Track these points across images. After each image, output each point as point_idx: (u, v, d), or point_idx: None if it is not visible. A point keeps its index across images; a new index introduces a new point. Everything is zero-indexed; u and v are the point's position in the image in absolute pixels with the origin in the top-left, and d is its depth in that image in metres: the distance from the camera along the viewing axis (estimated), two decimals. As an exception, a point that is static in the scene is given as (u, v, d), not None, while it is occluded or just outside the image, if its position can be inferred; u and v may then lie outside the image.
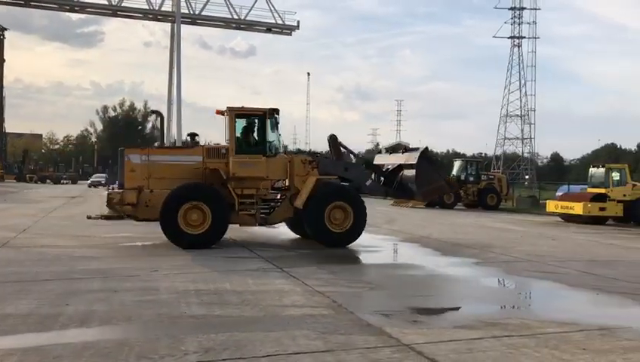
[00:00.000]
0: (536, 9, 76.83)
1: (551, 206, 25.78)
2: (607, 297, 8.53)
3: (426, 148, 15.27)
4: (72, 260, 10.47)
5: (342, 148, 15.06)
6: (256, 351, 5.25)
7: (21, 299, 7.22)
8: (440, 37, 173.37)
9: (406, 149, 15.72)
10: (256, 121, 13.22)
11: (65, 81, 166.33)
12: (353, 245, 13.43)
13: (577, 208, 23.17)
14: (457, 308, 7.50)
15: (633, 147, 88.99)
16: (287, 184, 13.64)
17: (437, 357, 5.22)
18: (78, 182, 71.71)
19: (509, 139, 78.99)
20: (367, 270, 10.45)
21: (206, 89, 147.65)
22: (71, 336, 5.68)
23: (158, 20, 55.67)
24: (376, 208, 30.21)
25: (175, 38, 52.41)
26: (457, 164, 35.05)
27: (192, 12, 52.38)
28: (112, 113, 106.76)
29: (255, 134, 13.28)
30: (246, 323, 6.31)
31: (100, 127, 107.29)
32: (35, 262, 10.10)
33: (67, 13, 56.21)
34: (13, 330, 5.87)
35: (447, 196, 31.26)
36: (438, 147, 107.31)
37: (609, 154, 76.50)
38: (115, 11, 51.90)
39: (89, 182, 60.94)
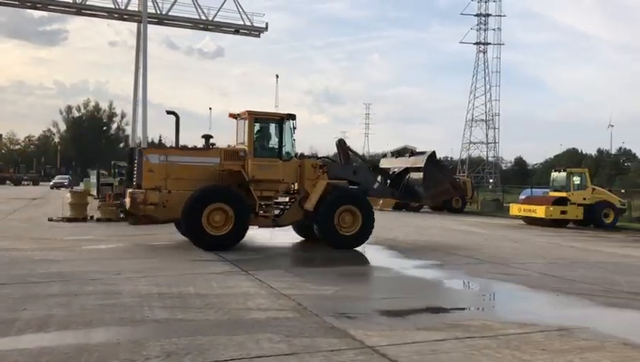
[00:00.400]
0: (501, 15, 78.18)
1: (514, 209, 26.31)
2: (566, 298, 8.73)
3: (434, 152, 15.66)
4: (32, 263, 10.20)
5: (349, 152, 15.49)
6: (219, 355, 5.20)
7: (-24, 303, 7.00)
8: (408, 42, 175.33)
9: (412, 153, 16.07)
10: (274, 125, 13.56)
11: (26, 79, 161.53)
12: (320, 248, 13.46)
13: (539, 211, 23.71)
14: (421, 310, 7.57)
15: (593, 152, 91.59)
16: (296, 187, 13.95)
17: (400, 358, 5.26)
18: (40, 183, 69.93)
19: (474, 144, 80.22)
20: (332, 273, 10.46)
21: (173, 90, 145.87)
22: (27, 342, 5.53)
23: (124, 20, 54.69)
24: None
25: (141, 38, 51.65)
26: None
27: (159, 12, 51.68)
28: (76, 113, 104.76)
29: (272, 138, 13.63)
30: (209, 326, 6.24)
31: (63, 127, 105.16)
32: (-8, 266, 9.80)
33: (29, 11, 54.91)
34: (-33, 336, 5.68)
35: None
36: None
37: (570, 159, 78.46)
38: (79, 9, 50.78)
39: (51, 183, 59.54)
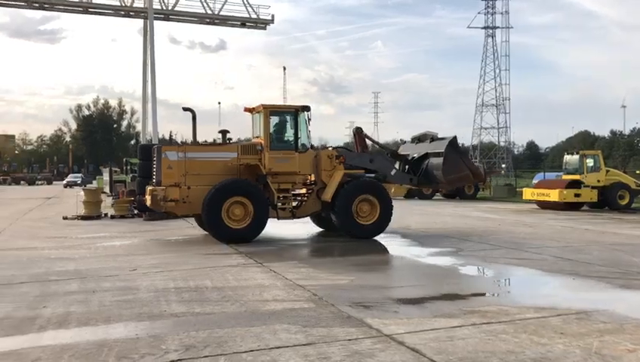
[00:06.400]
0: (508, -1, 77.44)
1: (527, 193, 26.16)
2: (583, 281, 8.68)
3: (455, 137, 15.57)
4: (49, 262, 10.32)
5: (366, 140, 15.48)
6: (238, 347, 5.24)
7: (-3, 302, 7.10)
8: (412, 28, 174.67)
9: (433, 138, 15.99)
10: (289, 117, 13.64)
11: (32, 80, 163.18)
12: (333, 238, 13.48)
13: (553, 195, 23.55)
14: (437, 298, 7.56)
15: (606, 133, 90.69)
16: (312, 178, 13.99)
17: (418, 346, 5.27)
18: (54, 182, 70.59)
19: (485, 129, 79.65)
20: (347, 262, 10.48)
21: (177, 85, 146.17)
22: (49, 339, 5.60)
23: (130, 17, 54.80)
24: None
25: (148, 35, 51.73)
26: (435, 154, 35.24)
27: (164, 8, 51.72)
28: (86, 112, 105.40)
29: (288, 130, 13.69)
30: (227, 319, 6.28)
31: (74, 126, 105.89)
32: (10, 265, 9.93)
33: (29, 10, 55.05)
34: (-11, 335, 5.77)
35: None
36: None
37: (583, 141, 77.85)
38: (86, 8, 50.99)
39: (64, 182, 60.09)
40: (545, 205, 24.39)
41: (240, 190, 12.64)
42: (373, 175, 14.53)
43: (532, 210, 24.04)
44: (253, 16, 53.15)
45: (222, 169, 13.04)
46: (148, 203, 13.40)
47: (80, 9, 51.37)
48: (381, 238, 14.30)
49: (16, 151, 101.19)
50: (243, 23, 54.34)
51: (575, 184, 23.78)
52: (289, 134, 13.75)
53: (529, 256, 11.07)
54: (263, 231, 13.28)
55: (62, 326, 6.06)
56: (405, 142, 18.12)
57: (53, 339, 5.58)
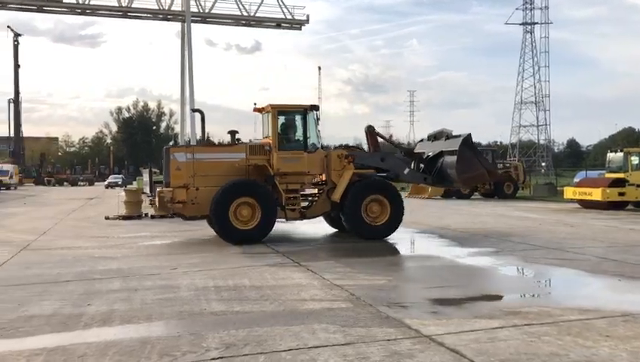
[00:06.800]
0: (548, -6, 75.71)
1: (569, 192, 25.52)
2: (628, 283, 8.43)
3: (469, 134, 15.20)
4: (92, 261, 10.59)
5: (379, 138, 15.28)
6: (277, 346, 5.28)
7: (44, 300, 7.34)
8: (448, 25, 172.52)
9: (448, 136, 15.63)
10: (298, 117, 13.54)
11: (74, 83, 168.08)
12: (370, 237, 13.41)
13: (596, 194, 22.92)
14: (477, 298, 7.46)
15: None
16: (323, 178, 13.89)
17: (458, 347, 5.21)
18: (95, 183, 72.41)
19: (524, 127, 78.16)
20: (384, 262, 10.43)
21: (214, 86, 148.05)
22: (94, 336, 5.75)
23: (168, 20, 55.76)
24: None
25: (186, 38, 52.51)
26: (472, 153, 34.73)
27: (201, 10, 52.45)
28: (126, 114, 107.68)
29: (296, 130, 13.62)
30: (266, 318, 6.34)
31: (114, 128, 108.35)
32: (56, 264, 10.24)
33: (71, 16, 56.85)
34: (38, 331, 5.96)
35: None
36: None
37: (627, 138, 75.49)
38: (125, 12, 52.13)
39: (106, 183, 61.53)
40: (587, 204, 23.75)
41: (247, 191, 12.56)
42: (385, 174, 14.23)
43: (574, 210, 23.46)
44: (289, 16, 53.43)
45: (230, 170, 12.95)
46: (156, 205, 13.40)
47: (120, 13, 52.55)
48: (418, 238, 14.21)
49: (60, 153, 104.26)
50: (278, 23, 54.70)
51: (619, 182, 23.08)
52: (298, 134, 13.59)
53: (571, 256, 10.81)
54: (300, 231, 13.35)
55: (106, 323, 6.22)
56: (423, 140, 17.67)
57: (98, 336, 5.73)
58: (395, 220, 13.40)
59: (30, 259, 10.97)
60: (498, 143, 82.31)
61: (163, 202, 12.89)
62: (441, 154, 15.15)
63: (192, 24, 52.26)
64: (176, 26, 57.32)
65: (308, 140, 13.38)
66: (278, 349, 5.19)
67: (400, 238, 14.27)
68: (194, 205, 12.82)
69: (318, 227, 15.46)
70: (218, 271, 9.24)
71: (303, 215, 13.69)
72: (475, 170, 14.87)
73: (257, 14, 53.01)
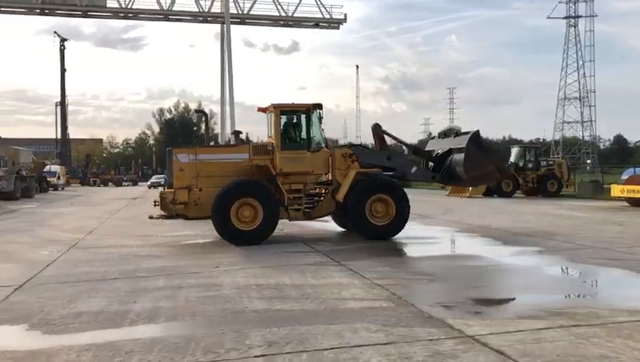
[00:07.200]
0: (592, -15, 73.56)
1: (616, 190, 24.73)
2: (681, 284, 8.13)
3: (477, 131, 14.83)
4: (138, 259, 10.85)
5: (387, 137, 14.98)
6: (319, 344, 5.30)
7: (92, 297, 7.55)
8: (487, 21, 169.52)
9: (457, 133, 15.33)
10: (301, 116, 13.35)
11: (117, 86, 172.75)
12: (411, 237, 13.33)
13: (645, 192, 22.15)
14: (521, 298, 7.32)
15: None
16: (329, 178, 13.74)
17: (502, 348, 5.12)
18: (139, 183, 74.08)
19: (568, 123, 76.22)
20: (425, 262, 10.34)
21: (252, 87, 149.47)
22: (140, 332, 5.90)
23: (208, 22, 56.65)
24: (432, 199, 29.87)
25: (225, 39, 53.21)
26: (515, 150, 34.12)
27: (240, 12, 53.05)
28: (167, 115, 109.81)
29: (300, 130, 13.42)
30: (307, 316, 6.37)
31: (156, 129, 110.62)
32: (103, 262, 10.53)
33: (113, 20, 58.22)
34: (87, 327, 6.14)
35: (506, 184, 30.64)
36: (493, 134, 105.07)
37: (677, 134, 72.67)
38: (166, 15, 53.21)
39: (149, 183, 62.85)
40: (636, 202, 22.97)
41: (248, 191, 12.44)
42: (392, 173, 13.95)
43: (621, 208, 22.72)
44: (327, 16, 53.58)
45: (234, 170, 12.86)
46: (159, 206, 13.39)
47: (161, 16, 53.70)
48: (459, 237, 14.02)
49: (104, 154, 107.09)
50: (316, 23, 54.94)
51: (670, 179, 22.27)
52: (301, 134, 13.37)
53: (620, 256, 10.48)
54: (338, 230, 13.31)
55: (151, 320, 6.36)
56: (434, 137, 17.28)
57: (144, 333, 5.87)
58: (400, 220, 13.08)
59: (78, 257, 11.32)
60: (541, 140, 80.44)
61: (165, 203, 12.93)
62: (450, 151, 14.87)
63: (231, 25, 52.93)
64: (215, 27, 58.19)
65: (313, 139, 13.18)
66: (320, 347, 5.21)
67: (440, 238, 14.14)
68: (197, 206, 12.76)
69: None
70: (259, 270, 9.33)
71: (309, 215, 13.54)
72: (483, 168, 14.46)
73: (295, 14, 53.28)
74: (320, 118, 13.42)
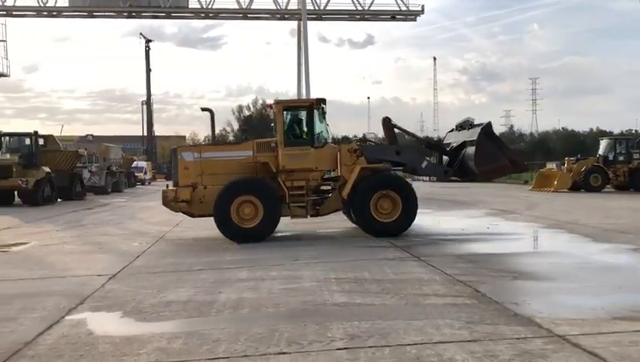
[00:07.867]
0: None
1: None
2: None
3: (489, 123, 14.22)
4: (221, 251, 11.21)
5: (397, 131, 14.61)
6: (401, 340, 5.26)
7: (179, 287, 7.88)
8: (572, 7, 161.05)
9: (472, 125, 14.70)
10: (304, 112, 13.17)
11: (198, 84, 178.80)
12: (494, 233, 12.96)
13: None
14: (614, 298, 6.94)
15: None
16: (337, 174, 13.42)
17: (596, 349, 4.87)
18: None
19: (664, 113, 71.24)
20: (509, 258, 10.01)
21: (327, 82, 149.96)
22: (226, 322, 6.09)
23: (285, 19, 57.38)
24: (515, 193, 28.90)
25: (302, 35, 53.72)
26: (604, 142, 32.33)
27: (316, 8, 53.35)
28: (246, 112, 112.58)
29: (303, 126, 13.25)
30: (388, 311, 6.33)
31: (236, 126, 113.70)
32: (189, 254, 10.96)
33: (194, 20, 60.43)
34: (176, 316, 6.42)
35: (594, 178, 29.17)
36: (580, 125, 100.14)
37: None
38: (245, 14, 54.39)
39: (229, 178, 64.63)
40: None
41: (247, 188, 12.30)
42: (401, 168, 13.49)
43: None
44: (403, 8, 52.83)
45: (238, 168, 12.75)
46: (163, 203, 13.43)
47: (240, 15, 54.93)
48: (544, 233, 13.49)
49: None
50: (393, 16, 54.31)
51: None
52: (304, 130, 13.11)
53: None
54: (418, 225, 13.14)
55: (236, 310, 6.56)
56: (452, 130, 16.42)
57: (229, 322, 6.06)
58: (407, 217, 12.63)
59: (165, 248, 11.85)
60: (633, 132, 75.69)
61: (167, 201, 13.05)
62: (464, 144, 14.24)
63: (308, 21, 53.34)
64: (290, 24, 58.79)
65: (317, 135, 12.92)
66: (403, 343, 5.17)
67: (525, 234, 13.68)
68: (202, 204, 12.77)
69: (436, 221, 15.19)
70: (338, 264, 9.37)
71: (316, 212, 13.30)
72: (495, 162, 13.80)
73: (372, 8, 52.93)
74: (324, 113, 13.19)
